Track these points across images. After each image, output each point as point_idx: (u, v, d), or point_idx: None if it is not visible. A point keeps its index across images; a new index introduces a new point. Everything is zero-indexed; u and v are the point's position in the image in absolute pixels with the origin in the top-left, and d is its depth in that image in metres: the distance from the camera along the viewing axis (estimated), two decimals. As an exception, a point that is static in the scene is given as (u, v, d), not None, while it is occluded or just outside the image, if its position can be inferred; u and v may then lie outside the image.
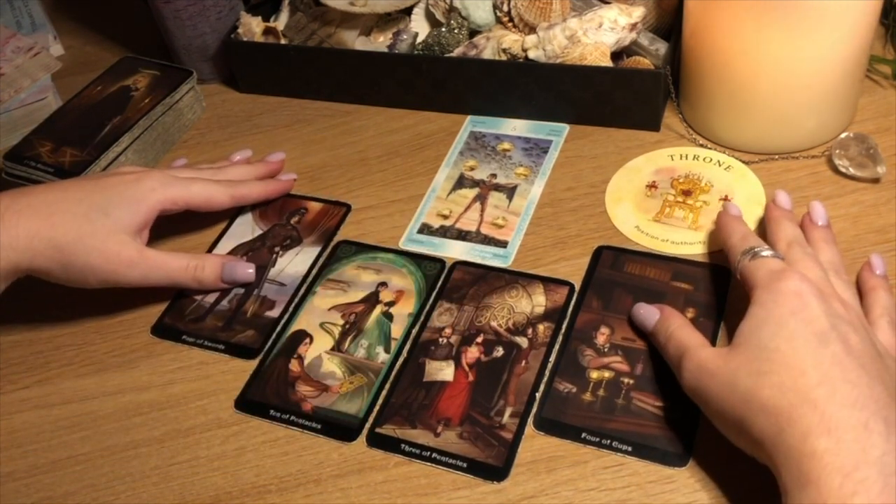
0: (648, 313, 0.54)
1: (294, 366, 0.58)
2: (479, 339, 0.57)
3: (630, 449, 0.50)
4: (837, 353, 0.44)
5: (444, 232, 0.66)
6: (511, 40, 0.73)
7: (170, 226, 0.68)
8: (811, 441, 0.41)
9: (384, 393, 0.56)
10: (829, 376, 0.43)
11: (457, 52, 0.74)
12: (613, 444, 0.51)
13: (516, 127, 0.73)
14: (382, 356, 0.58)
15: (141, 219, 0.61)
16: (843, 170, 0.63)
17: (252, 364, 0.59)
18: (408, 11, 0.80)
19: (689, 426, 0.51)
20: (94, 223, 0.59)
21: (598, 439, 0.51)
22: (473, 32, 0.76)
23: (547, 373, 0.55)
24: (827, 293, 0.48)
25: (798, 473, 0.40)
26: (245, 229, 0.69)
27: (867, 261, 0.54)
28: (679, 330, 0.51)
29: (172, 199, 0.63)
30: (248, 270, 0.64)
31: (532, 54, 0.72)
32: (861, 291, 0.52)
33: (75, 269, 0.59)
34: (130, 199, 0.61)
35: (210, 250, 0.68)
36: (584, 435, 0.51)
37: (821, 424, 0.41)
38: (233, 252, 0.67)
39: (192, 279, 0.63)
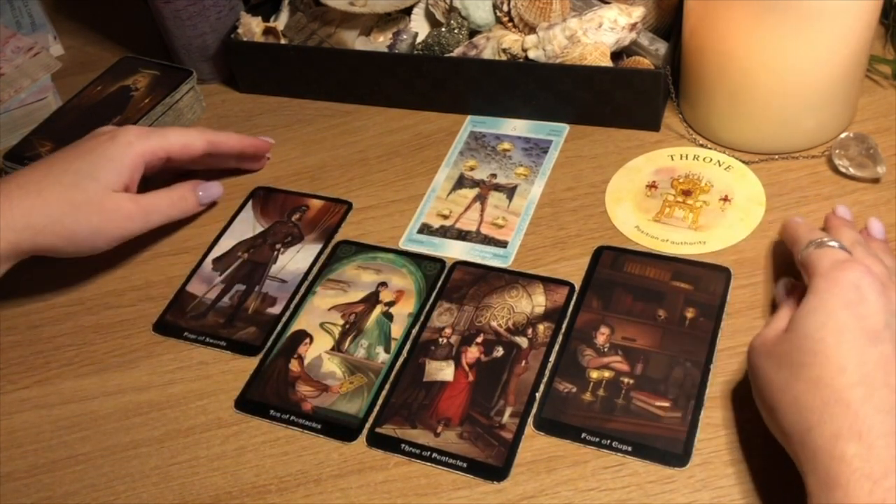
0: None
1: (294, 366, 0.58)
2: (479, 339, 0.57)
3: (630, 449, 0.50)
4: (886, 353, 0.42)
5: (444, 232, 0.66)
6: (511, 40, 0.73)
7: (170, 224, 0.68)
8: (841, 444, 0.39)
9: (384, 393, 0.56)
10: (870, 377, 0.41)
11: (457, 52, 0.74)
12: (613, 444, 0.51)
13: (516, 127, 0.73)
14: (382, 356, 0.58)
15: (127, 175, 0.63)
16: (843, 170, 0.63)
17: (252, 363, 0.59)
18: (408, 11, 0.80)
19: (690, 426, 0.51)
20: (86, 190, 0.61)
21: (598, 439, 0.51)
22: (473, 32, 0.76)
23: (547, 373, 0.55)
24: (889, 287, 0.46)
25: (825, 476, 0.39)
26: (246, 227, 0.69)
27: None
28: (788, 303, 0.50)
29: (151, 150, 0.65)
30: (213, 189, 0.70)
31: (532, 54, 0.72)
32: None
33: (81, 237, 0.61)
34: (111, 157, 0.63)
35: (211, 248, 0.68)
36: (584, 435, 0.51)
37: (852, 427, 0.40)
38: (233, 249, 0.67)
39: (181, 212, 0.68)
